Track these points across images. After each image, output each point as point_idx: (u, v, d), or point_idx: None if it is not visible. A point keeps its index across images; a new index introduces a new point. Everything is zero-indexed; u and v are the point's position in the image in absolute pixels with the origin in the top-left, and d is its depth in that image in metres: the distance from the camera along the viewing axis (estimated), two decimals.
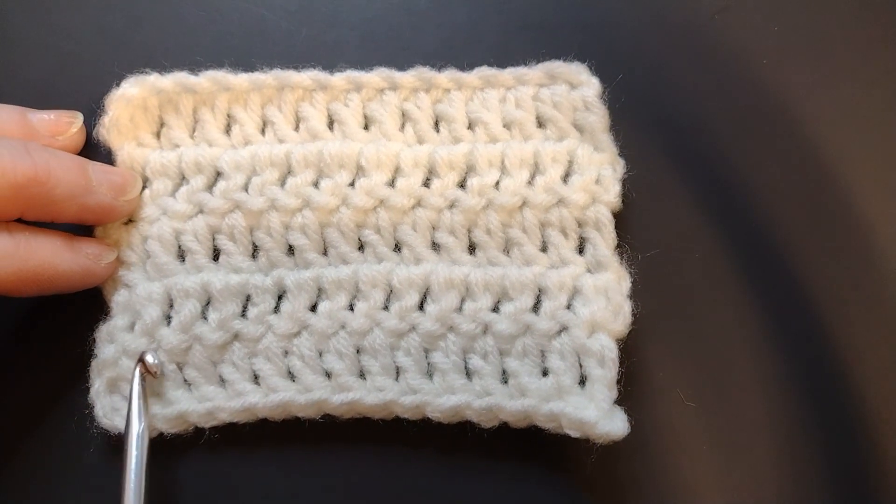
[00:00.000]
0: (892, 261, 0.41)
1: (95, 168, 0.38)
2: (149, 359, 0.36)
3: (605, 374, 0.37)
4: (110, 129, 0.40)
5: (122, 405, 0.37)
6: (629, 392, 0.38)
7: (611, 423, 0.35)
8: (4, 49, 0.43)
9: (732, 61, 0.43)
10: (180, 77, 0.41)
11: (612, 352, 0.37)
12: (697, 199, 0.42)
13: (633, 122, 0.42)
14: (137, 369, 0.36)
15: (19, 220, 0.36)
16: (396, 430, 0.38)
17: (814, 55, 0.44)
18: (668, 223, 0.41)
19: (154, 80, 0.40)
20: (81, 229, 0.39)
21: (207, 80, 0.41)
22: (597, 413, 0.35)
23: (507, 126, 0.41)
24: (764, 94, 0.43)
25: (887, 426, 0.39)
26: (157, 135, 0.41)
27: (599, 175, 0.40)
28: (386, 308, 0.39)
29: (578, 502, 0.38)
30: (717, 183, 0.42)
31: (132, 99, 0.40)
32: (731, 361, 0.40)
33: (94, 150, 0.41)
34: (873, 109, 0.43)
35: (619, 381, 0.37)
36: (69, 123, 0.39)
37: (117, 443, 0.37)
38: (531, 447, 0.38)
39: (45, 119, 0.39)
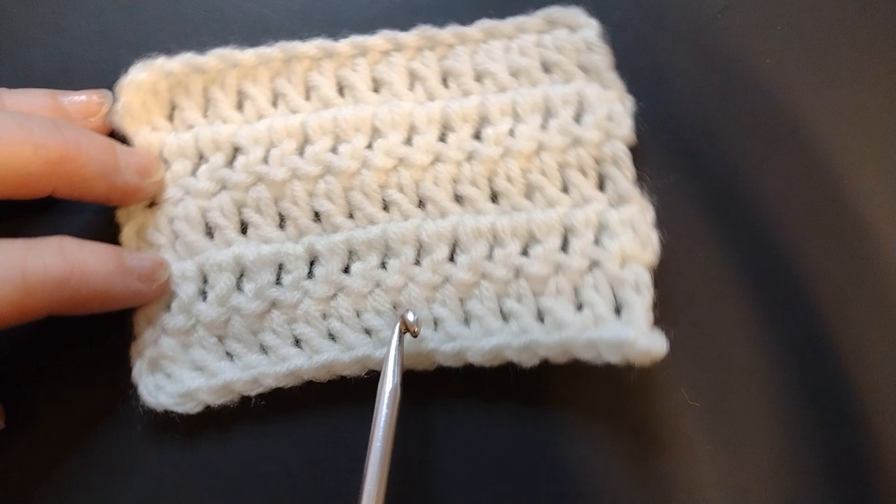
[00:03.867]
0: (895, 260, 0.41)
1: (122, 149, 0.38)
2: (409, 317, 0.36)
3: (640, 300, 0.37)
4: (123, 115, 0.40)
5: (165, 383, 0.37)
6: (630, 392, 0.38)
7: (650, 341, 0.35)
8: (4, 49, 0.42)
9: (735, 60, 0.44)
10: (187, 58, 0.41)
11: (645, 278, 0.38)
12: (697, 200, 0.42)
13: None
14: (398, 328, 0.36)
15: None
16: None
17: (816, 54, 0.44)
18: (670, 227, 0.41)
19: (162, 62, 0.40)
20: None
21: (215, 58, 0.41)
22: (635, 333, 0.35)
23: (513, 74, 0.42)
24: (766, 94, 0.43)
25: (890, 426, 0.39)
26: (170, 117, 0.42)
27: (610, 111, 0.41)
28: (418, 263, 0.39)
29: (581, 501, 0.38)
30: (718, 183, 0.42)
31: (142, 84, 0.40)
32: (734, 361, 0.40)
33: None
34: (876, 109, 0.43)
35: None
36: (100, 104, 0.39)
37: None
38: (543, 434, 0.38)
39: (77, 101, 0.39)
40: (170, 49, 0.41)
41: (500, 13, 0.43)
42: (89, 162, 0.35)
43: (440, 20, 0.43)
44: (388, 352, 0.35)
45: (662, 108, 0.42)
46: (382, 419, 0.34)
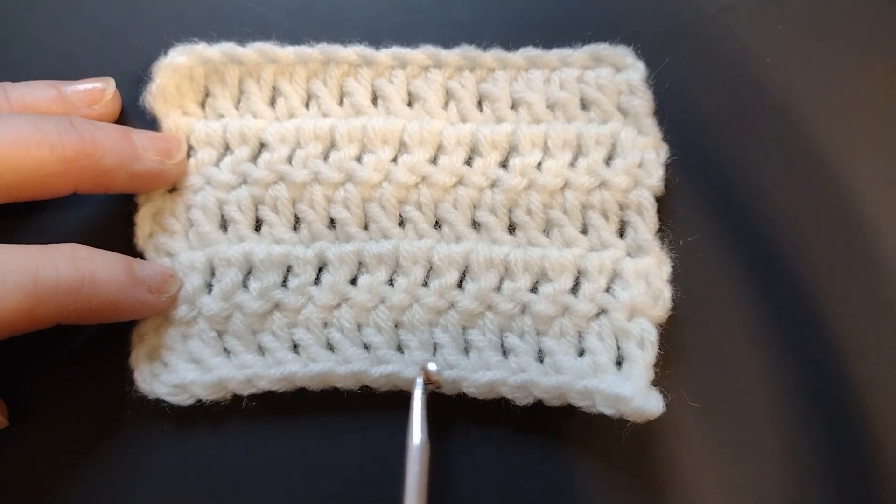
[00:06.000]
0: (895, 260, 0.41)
1: (140, 135, 0.38)
2: (431, 367, 0.36)
3: (643, 356, 0.37)
4: (157, 97, 0.40)
5: (162, 371, 0.38)
6: None
7: (646, 401, 0.35)
8: (4, 48, 0.42)
9: (735, 60, 0.43)
10: (227, 47, 0.41)
11: (651, 335, 0.37)
12: (696, 200, 0.41)
13: None
14: (419, 379, 0.36)
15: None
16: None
17: (817, 54, 0.43)
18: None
19: (202, 49, 0.41)
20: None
21: (254, 51, 0.41)
22: (633, 389, 0.35)
23: (550, 107, 0.41)
24: (766, 93, 0.43)
25: (891, 427, 0.39)
26: (202, 104, 0.42)
27: (643, 159, 0.40)
28: (425, 284, 0.39)
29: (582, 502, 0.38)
30: (717, 183, 0.42)
31: (179, 67, 0.40)
32: (734, 361, 0.39)
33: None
34: (876, 108, 0.43)
35: None
36: (103, 90, 0.39)
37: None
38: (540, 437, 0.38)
39: (80, 90, 0.39)
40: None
41: (545, 42, 0.42)
42: (106, 154, 0.35)
43: (438, 21, 0.43)
44: (413, 405, 0.35)
45: (661, 107, 0.41)
46: (413, 477, 0.33)
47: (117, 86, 0.40)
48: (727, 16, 0.44)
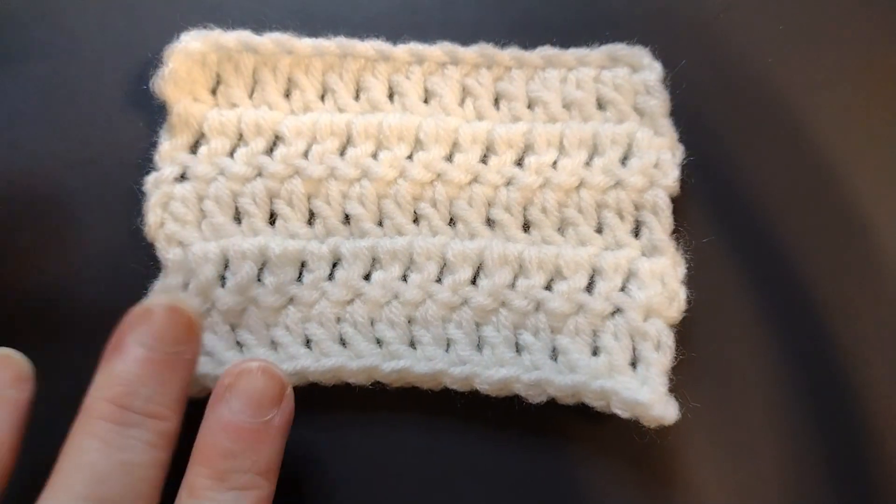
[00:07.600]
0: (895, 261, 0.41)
1: None
2: None
3: (660, 359, 0.37)
4: (168, 81, 0.39)
5: None
6: None
7: (665, 408, 0.35)
8: (4, 47, 0.42)
9: (737, 60, 0.44)
10: (244, 35, 0.40)
11: (668, 338, 0.37)
12: (694, 199, 0.41)
13: None
14: None
15: None
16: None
17: (818, 54, 0.44)
18: None
19: (217, 35, 0.40)
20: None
21: (271, 41, 0.40)
22: (651, 396, 0.35)
23: (566, 106, 0.42)
24: (768, 93, 0.43)
25: (891, 427, 0.39)
26: (213, 92, 0.41)
27: (658, 159, 0.40)
28: (439, 281, 0.39)
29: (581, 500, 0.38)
30: (717, 183, 0.42)
31: (192, 53, 0.40)
32: (734, 361, 0.40)
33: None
34: (877, 109, 0.43)
35: None
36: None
37: None
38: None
39: None
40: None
41: (562, 41, 0.42)
42: None
43: (439, 20, 0.43)
44: None
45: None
46: None
47: (116, 85, 0.40)
48: (729, 15, 0.44)
